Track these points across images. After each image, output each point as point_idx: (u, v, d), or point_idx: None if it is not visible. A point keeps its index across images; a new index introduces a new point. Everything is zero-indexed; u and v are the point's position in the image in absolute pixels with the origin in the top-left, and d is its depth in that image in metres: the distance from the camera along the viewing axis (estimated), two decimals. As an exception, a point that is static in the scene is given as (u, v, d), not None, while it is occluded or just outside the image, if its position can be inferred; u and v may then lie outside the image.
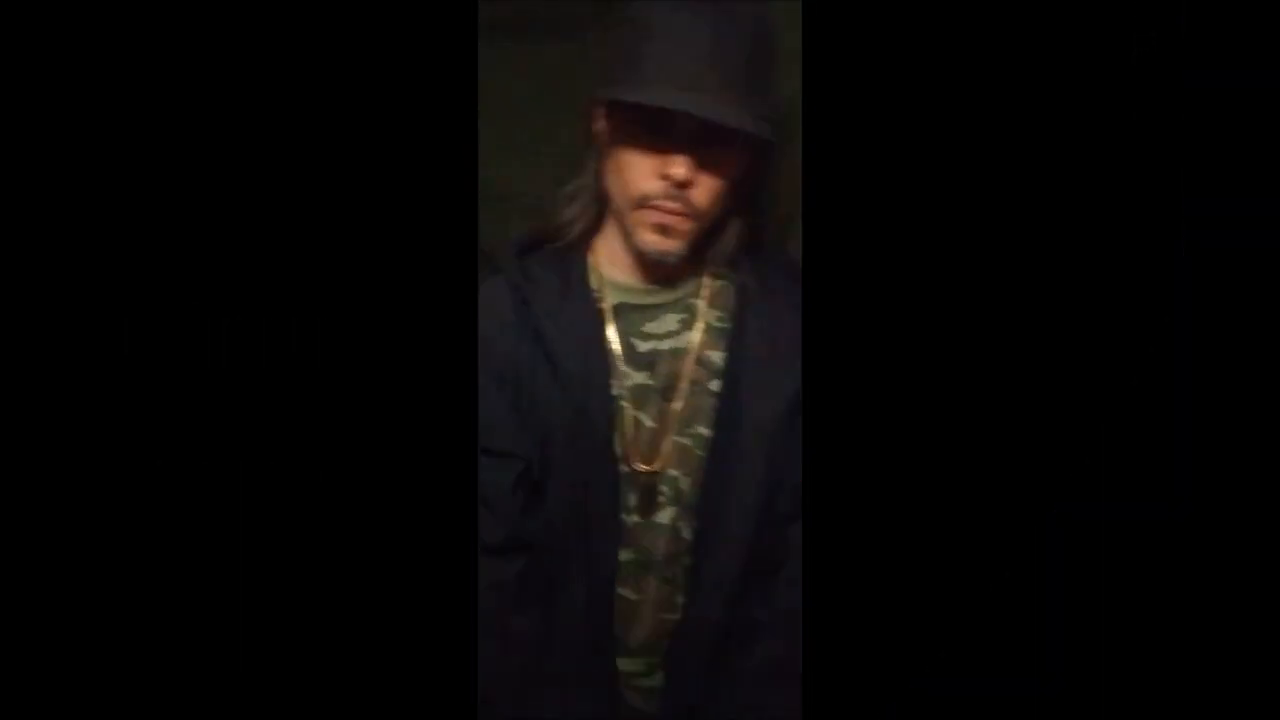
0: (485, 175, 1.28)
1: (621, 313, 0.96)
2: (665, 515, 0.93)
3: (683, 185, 0.87)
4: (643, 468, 0.92)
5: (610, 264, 0.98)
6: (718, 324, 0.96)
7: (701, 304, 0.96)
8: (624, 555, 0.93)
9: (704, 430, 0.93)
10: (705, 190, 0.89)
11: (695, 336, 0.95)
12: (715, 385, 0.94)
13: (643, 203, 0.90)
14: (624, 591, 0.93)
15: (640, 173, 0.89)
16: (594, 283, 0.97)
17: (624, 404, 0.93)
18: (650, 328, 0.96)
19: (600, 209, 0.96)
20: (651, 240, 0.91)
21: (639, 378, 0.94)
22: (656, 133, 0.87)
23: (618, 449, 0.93)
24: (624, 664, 0.93)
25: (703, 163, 0.88)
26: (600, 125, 0.90)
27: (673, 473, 0.93)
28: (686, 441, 0.93)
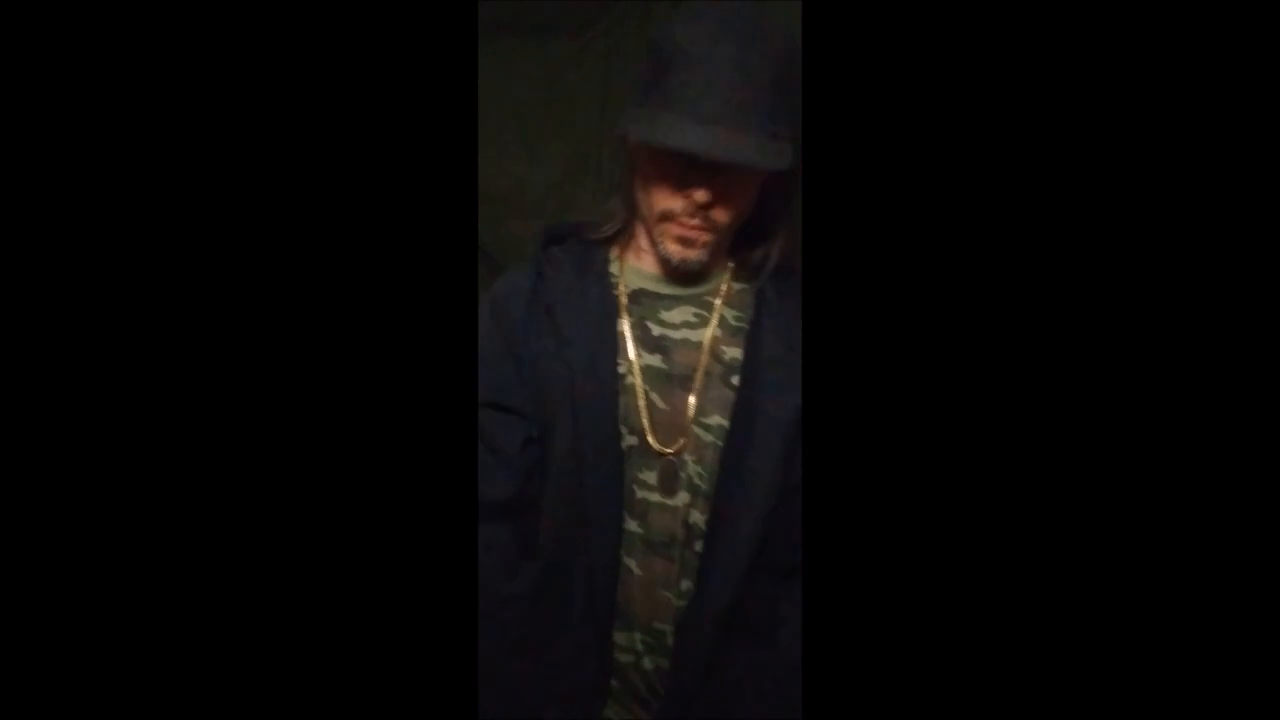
0: (485, 175, 1.28)
1: (638, 298, 1.00)
2: (680, 499, 0.94)
3: (704, 206, 0.92)
4: (661, 449, 0.95)
5: (636, 258, 1.02)
6: (735, 322, 0.99)
7: (718, 302, 1.00)
8: (633, 528, 0.95)
9: (721, 421, 0.95)
10: (726, 209, 0.93)
11: (710, 331, 0.98)
12: (734, 379, 0.97)
13: (666, 217, 0.94)
14: (629, 562, 0.95)
15: (664, 192, 0.93)
16: (615, 270, 1.01)
17: (633, 381, 0.96)
18: (665, 315, 0.99)
19: (630, 215, 1.01)
20: (674, 250, 0.95)
21: (651, 359, 0.97)
22: (679, 159, 0.90)
23: (626, 424, 0.95)
24: (620, 637, 0.95)
25: (724, 187, 0.92)
26: (631, 143, 0.94)
27: (689, 458, 0.95)
28: (702, 431, 0.95)
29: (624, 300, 0.99)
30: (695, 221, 0.93)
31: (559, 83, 1.34)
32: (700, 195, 0.91)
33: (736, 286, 1.00)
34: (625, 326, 0.98)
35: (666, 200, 0.93)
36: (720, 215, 0.93)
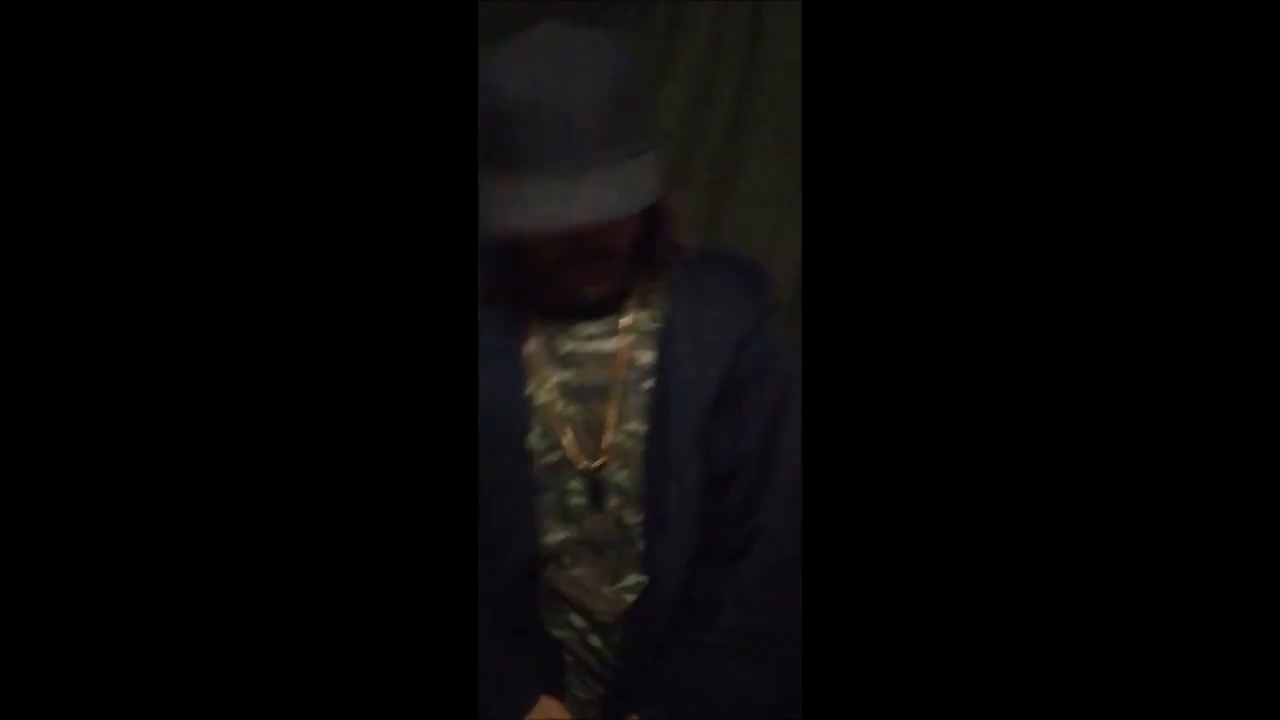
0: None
1: (549, 317, 0.99)
2: (610, 503, 0.97)
3: (596, 254, 0.90)
4: (586, 464, 0.96)
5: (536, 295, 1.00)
6: (650, 324, 0.99)
7: (628, 304, 0.99)
8: (570, 535, 0.97)
9: (639, 427, 0.97)
10: (619, 244, 0.91)
11: (620, 341, 0.98)
12: (647, 384, 0.97)
13: (559, 264, 0.91)
14: (575, 572, 0.98)
15: (549, 251, 0.90)
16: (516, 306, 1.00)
17: (545, 400, 0.97)
18: (575, 329, 0.99)
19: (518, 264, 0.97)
20: (582, 291, 0.94)
21: (564, 375, 0.98)
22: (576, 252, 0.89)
23: (548, 440, 0.97)
24: (560, 620, 0.99)
25: (605, 231, 0.88)
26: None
27: (614, 467, 0.97)
28: (624, 439, 0.97)
29: (535, 323, 0.98)
30: (592, 263, 0.91)
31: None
32: (583, 254, 0.89)
33: (652, 284, 0.99)
34: (533, 347, 0.98)
35: (555, 256, 0.90)
36: (615, 249, 0.91)
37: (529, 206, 0.84)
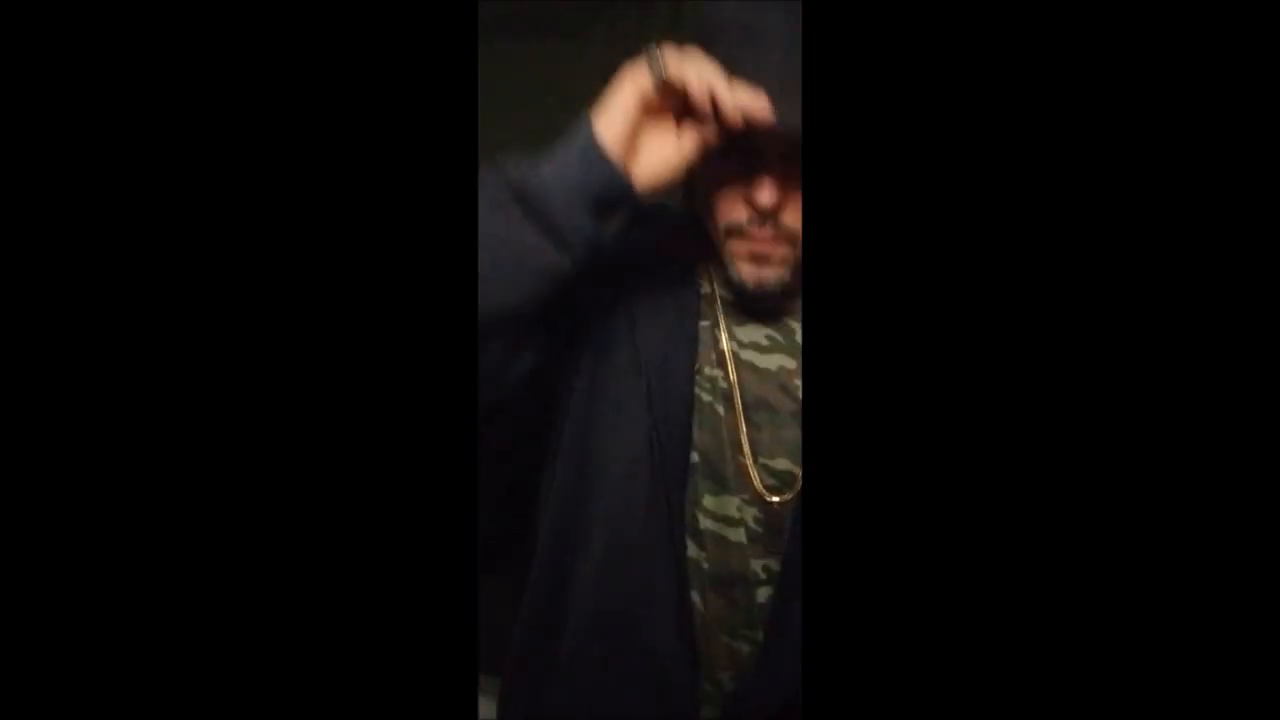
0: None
1: (717, 304, 0.88)
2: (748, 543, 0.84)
3: (773, 211, 0.80)
4: (764, 495, 0.84)
5: (722, 287, 0.90)
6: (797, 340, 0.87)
7: (795, 323, 0.87)
8: (695, 555, 0.85)
9: (791, 466, 0.85)
10: (798, 213, 0.80)
11: (780, 360, 0.87)
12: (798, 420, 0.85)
13: (733, 232, 0.82)
14: (694, 596, 0.86)
15: (726, 201, 0.82)
16: (704, 284, 0.90)
17: (705, 392, 0.86)
18: (738, 332, 0.88)
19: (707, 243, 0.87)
20: (747, 271, 0.83)
21: (718, 374, 0.87)
22: (741, 154, 0.79)
23: (698, 439, 0.85)
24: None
25: (789, 181, 0.79)
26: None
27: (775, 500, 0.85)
28: (762, 472, 0.85)
29: (708, 306, 0.87)
30: (766, 233, 0.81)
31: (559, 83, 1.34)
32: (764, 195, 0.78)
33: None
34: (703, 327, 0.86)
35: (730, 212, 0.81)
36: (793, 220, 0.80)
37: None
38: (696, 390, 0.86)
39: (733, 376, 0.86)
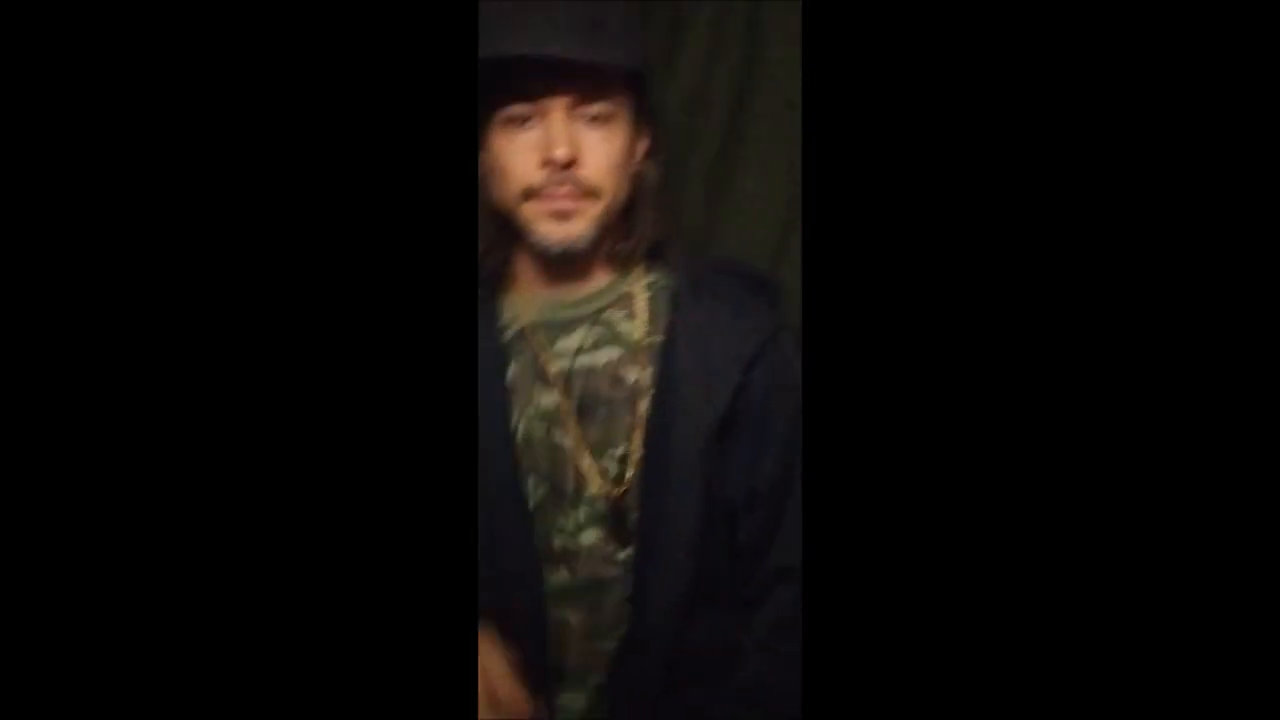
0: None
1: (533, 333, 0.90)
2: (591, 536, 0.88)
3: (567, 166, 0.82)
4: (595, 492, 0.86)
5: (527, 283, 0.91)
6: (645, 339, 0.90)
7: (619, 315, 0.91)
8: (561, 577, 0.88)
9: (625, 451, 0.88)
10: (595, 167, 0.83)
11: (608, 354, 0.90)
12: (641, 405, 0.88)
13: (530, 195, 0.84)
14: (562, 614, 0.88)
15: (519, 163, 0.83)
16: (506, 309, 0.92)
17: (536, 427, 0.88)
18: (561, 345, 0.90)
19: (503, 225, 0.88)
20: (549, 230, 0.84)
21: (549, 399, 0.89)
22: (526, 99, 0.81)
23: (535, 473, 0.88)
24: (565, 699, 0.88)
25: (583, 136, 0.82)
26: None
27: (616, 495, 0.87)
28: (607, 465, 0.88)
29: (519, 341, 0.89)
30: (564, 190, 0.82)
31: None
32: (559, 149, 0.81)
33: (644, 294, 0.91)
34: (513, 373, 0.89)
35: (524, 174, 0.83)
36: (591, 175, 0.83)
37: (514, 41, 0.79)
38: (525, 431, 0.88)
39: (559, 399, 0.88)
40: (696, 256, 0.96)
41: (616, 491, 0.88)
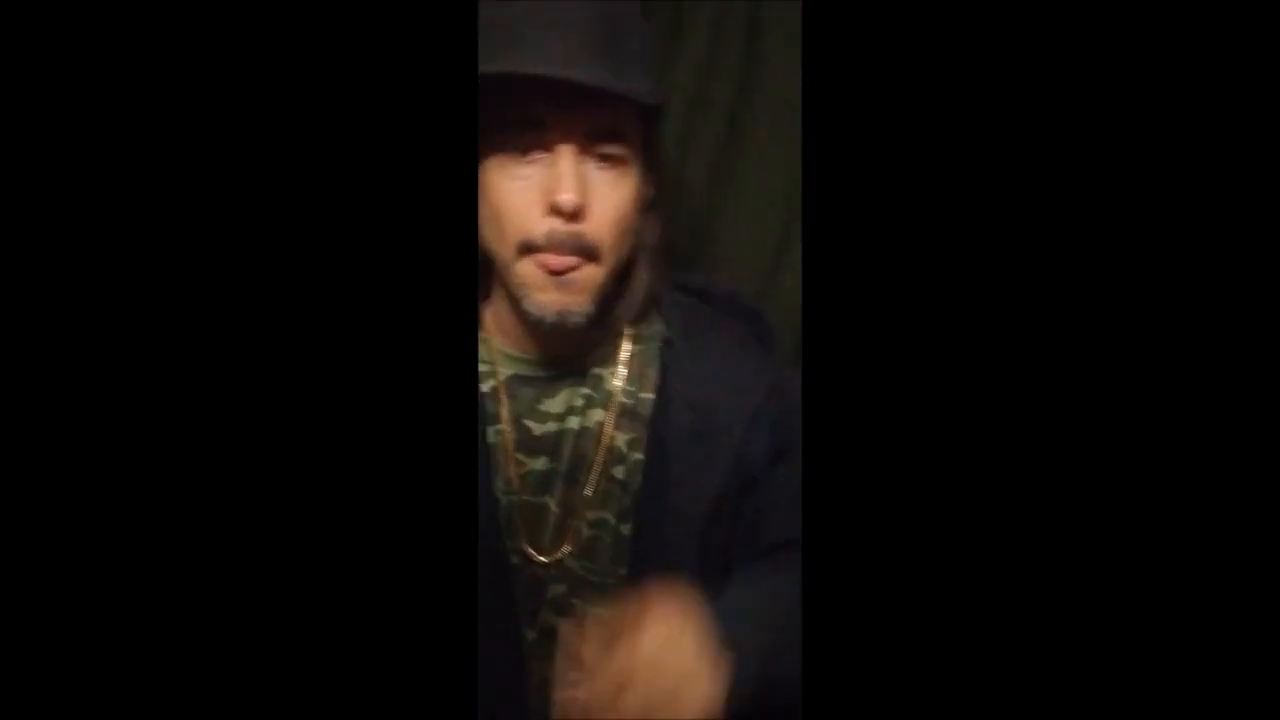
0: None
1: (514, 388, 0.81)
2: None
3: (574, 216, 0.72)
4: (538, 557, 0.79)
5: (501, 334, 0.82)
6: (627, 397, 0.81)
7: (607, 374, 0.81)
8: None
9: (609, 518, 0.81)
10: (600, 222, 0.73)
11: (598, 415, 0.81)
12: (619, 472, 0.81)
13: (528, 249, 0.73)
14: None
15: (518, 205, 0.72)
16: (484, 355, 0.82)
17: (519, 497, 0.81)
18: (547, 405, 0.81)
19: (488, 270, 0.78)
20: (546, 300, 0.74)
21: (534, 463, 0.81)
22: (532, 127, 0.70)
23: (518, 544, 0.81)
24: None
25: (592, 178, 0.72)
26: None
27: (573, 562, 0.80)
28: (596, 531, 0.80)
29: (500, 396, 0.80)
30: (567, 248, 0.72)
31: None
32: (566, 194, 0.70)
33: (634, 347, 0.82)
34: (501, 434, 0.80)
35: (524, 222, 0.72)
36: (596, 231, 0.73)
37: (520, 61, 0.67)
38: (505, 502, 0.81)
39: (538, 464, 0.81)
40: (692, 302, 0.86)
41: (541, 558, 0.81)
